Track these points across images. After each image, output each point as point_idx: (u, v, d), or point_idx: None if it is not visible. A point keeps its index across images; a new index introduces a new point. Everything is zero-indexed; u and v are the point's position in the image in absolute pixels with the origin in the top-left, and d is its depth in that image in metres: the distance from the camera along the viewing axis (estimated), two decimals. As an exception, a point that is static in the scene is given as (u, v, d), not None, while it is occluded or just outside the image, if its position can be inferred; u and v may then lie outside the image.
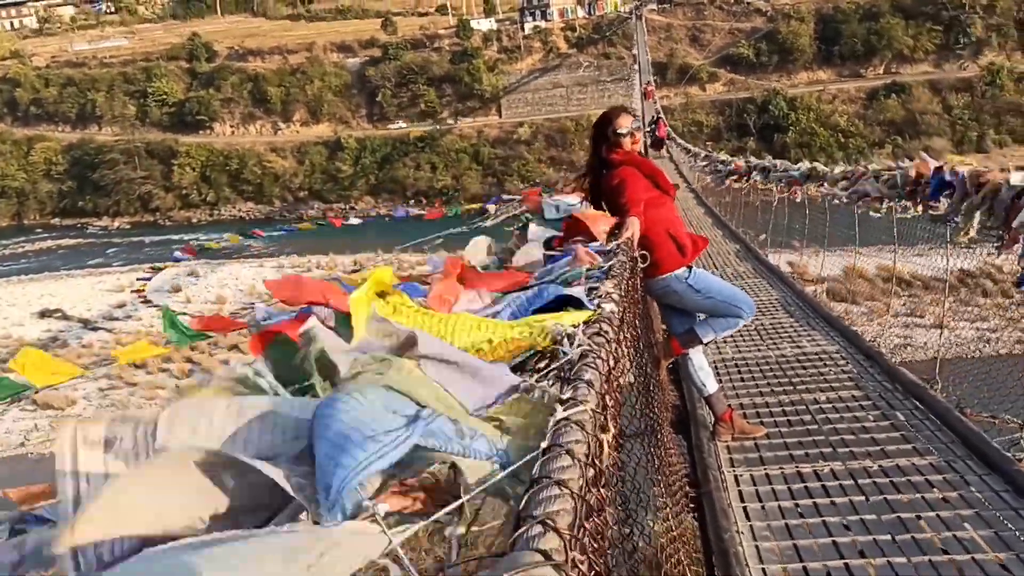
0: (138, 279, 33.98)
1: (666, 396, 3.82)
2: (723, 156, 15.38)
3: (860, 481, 3.16)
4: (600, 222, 3.00)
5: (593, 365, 1.02)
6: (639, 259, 3.11)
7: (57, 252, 55.36)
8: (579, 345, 1.10)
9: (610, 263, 2.25)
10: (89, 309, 37.87)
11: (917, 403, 3.97)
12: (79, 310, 37.72)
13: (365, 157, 60.09)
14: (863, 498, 3.03)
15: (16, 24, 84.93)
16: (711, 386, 3.76)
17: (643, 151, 3.80)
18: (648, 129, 28.93)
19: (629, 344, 1.87)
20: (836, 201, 5.81)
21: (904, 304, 21.81)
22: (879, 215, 5.28)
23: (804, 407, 4.13)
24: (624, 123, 3.69)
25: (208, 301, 37.54)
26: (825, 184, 6.30)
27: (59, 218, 64.32)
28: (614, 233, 3.10)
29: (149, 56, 70.82)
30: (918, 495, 3.03)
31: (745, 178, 10.78)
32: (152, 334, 33.00)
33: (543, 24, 67.78)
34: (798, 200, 8.13)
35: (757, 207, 11.68)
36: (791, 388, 4.50)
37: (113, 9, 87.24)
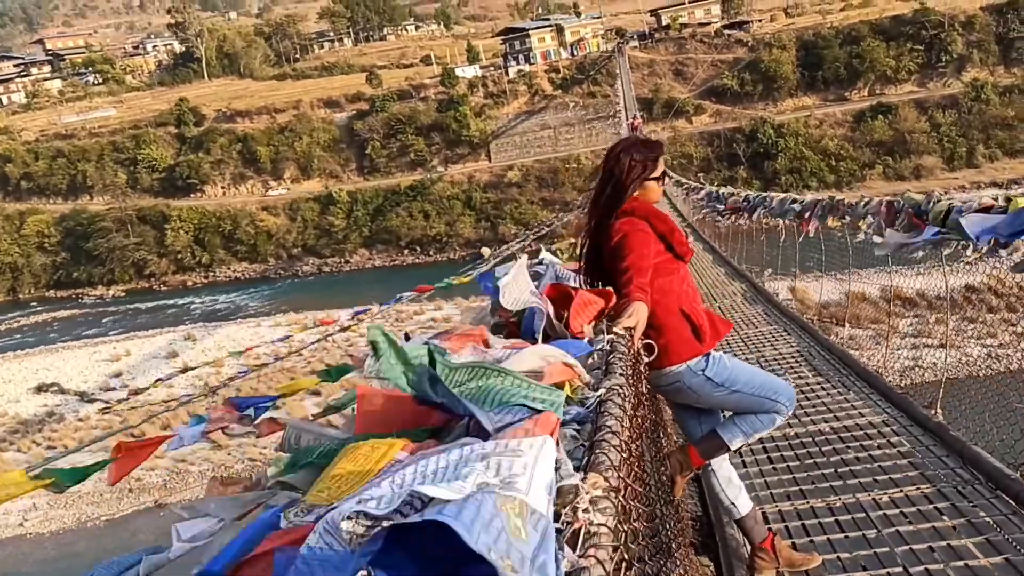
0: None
1: (683, 515, 2.96)
2: (721, 190, 14.66)
3: (970, 646, 2.28)
4: (585, 312, 2.19)
5: None
6: (644, 351, 2.28)
7: (53, 325, 54.86)
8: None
9: (601, 392, 1.42)
10: (86, 381, 37.40)
11: (1010, 501, 3.10)
12: (76, 383, 37.27)
13: (357, 210, 59.83)
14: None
15: (4, 101, 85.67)
16: (744, 505, 2.88)
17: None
18: None
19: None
20: (862, 237, 5.01)
21: (911, 324, 21.09)
22: (922, 252, 4.34)
23: (863, 515, 3.22)
24: (663, 165, 2.88)
25: (205, 365, 37.08)
26: (847, 219, 5.51)
27: (54, 290, 63.83)
28: (604, 315, 2.28)
29: (137, 124, 71.08)
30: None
31: (747, 215, 10.00)
32: (146, 405, 32.24)
33: (527, 68, 68.18)
34: (811, 235, 7.36)
35: (762, 241, 10.90)
36: (840, 484, 3.60)
37: (101, 80, 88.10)
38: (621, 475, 1.04)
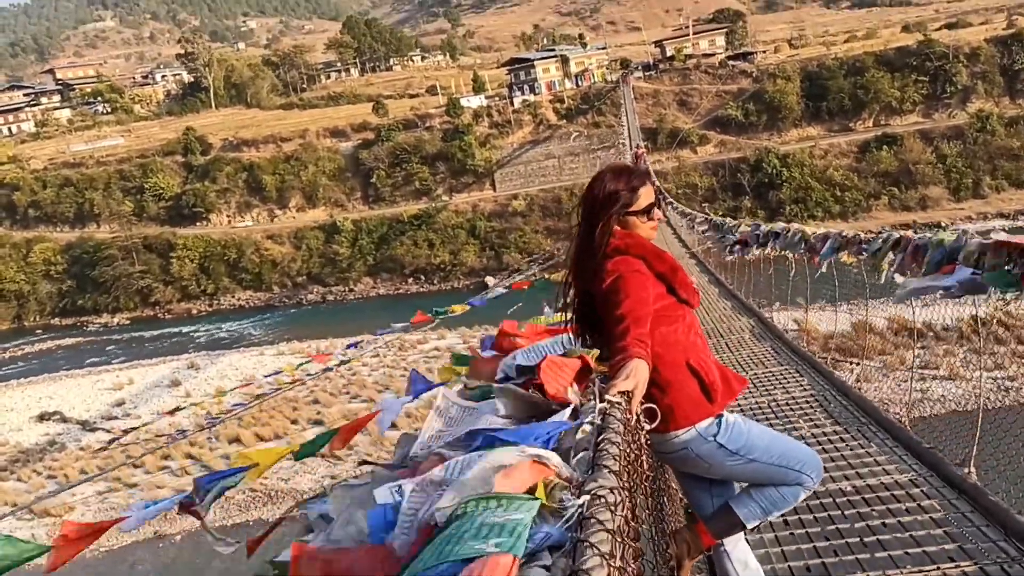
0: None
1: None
2: (727, 221, 14.36)
3: None
4: (561, 372, 1.84)
5: None
6: (644, 417, 1.93)
7: (57, 353, 54.74)
8: None
9: (582, 501, 1.05)
10: (88, 410, 37.21)
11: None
12: (78, 411, 37.10)
13: (362, 239, 59.86)
14: None
15: (14, 129, 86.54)
16: (763, 592, 2.52)
17: None
18: None
19: None
20: (883, 277, 4.66)
21: (918, 356, 20.77)
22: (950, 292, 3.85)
23: (896, 596, 2.84)
24: (648, 194, 2.44)
25: (208, 394, 37.06)
26: (865, 253, 5.14)
27: (59, 318, 63.80)
28: (591, 375, 1.93)
29: (145, 153, 71.63)
30: None
31: (758, 247, 9.66)
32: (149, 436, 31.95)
33: (532, 98, 68.58)
34: (823, 269, 7.03)
35: (770, 275, 10.56)
36: (867, 557, 3.17)
37: (109, 109, 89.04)
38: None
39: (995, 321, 20.81)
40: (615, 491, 1.08)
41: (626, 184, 2.42)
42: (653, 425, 1.94)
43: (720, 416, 2.37)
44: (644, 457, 1.96)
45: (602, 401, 1.66)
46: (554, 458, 1.32)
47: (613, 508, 1.03)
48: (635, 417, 1.80)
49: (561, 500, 1.11)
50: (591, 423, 1.54)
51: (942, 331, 21.54)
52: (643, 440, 1.94)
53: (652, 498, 2.03)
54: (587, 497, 1.06)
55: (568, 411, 1.76)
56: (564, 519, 1.05)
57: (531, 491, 1.20)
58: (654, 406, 1.95)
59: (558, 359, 1.96)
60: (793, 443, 2.50)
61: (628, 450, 1.43)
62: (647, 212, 2.43)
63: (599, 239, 2.37)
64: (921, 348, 21.07)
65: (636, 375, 1.86)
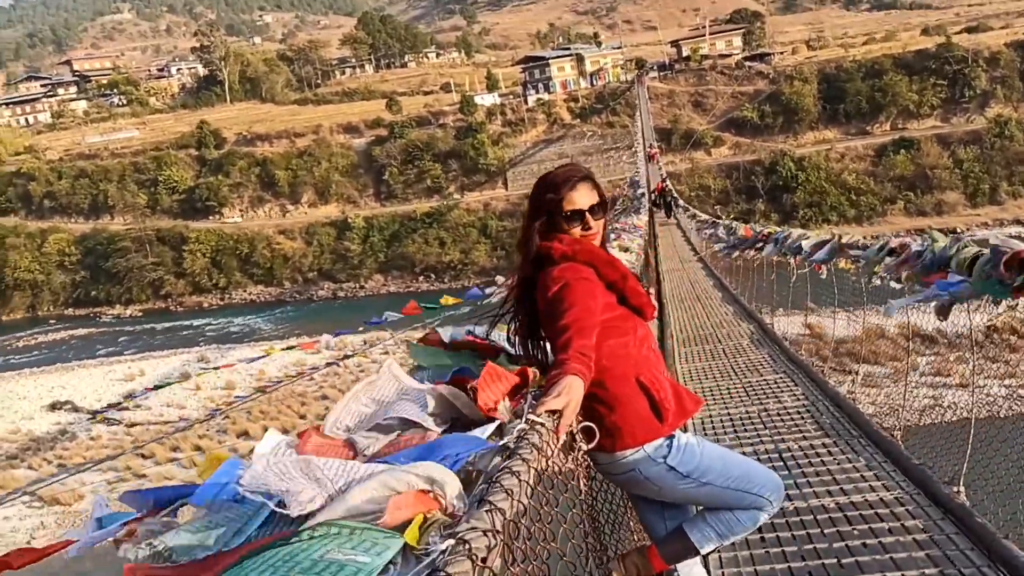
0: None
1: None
2: (729, 222, 14.16)
3: None
4: (496, 385, 1.71)
5: None
6: (581, 436, 1.79)
7: (70, 342, 55.21)
8: None
9: (443, 547, 0.86)
10: (99, 400, 37.52)
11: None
12: (89, 401, 37.42)
13: (373, 235, 59.92)
14: None
15: (31, 120, 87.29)
16: (722, 619, 2.37)
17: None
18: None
19: None
20: (878, 283, 4.51)
21: (930, 364, 20.56)
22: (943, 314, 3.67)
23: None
24: (580, 198, 2.20)
25: (217, 387, 37.37)
26: (861, 260, 4.99)
27: (72, 308, 64.39)
28: (525, 391, 1.80)
29: (159, 145, 72.01)
30: None
31: (757, 250, 9.52)
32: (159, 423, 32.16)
33: (546, 96, 68.37)
34: (823, 276, 6.89)
35: (772, 279, 10.39)
36: (846, 581, 3.04)
37: (125, 101, 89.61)
38: None
39: (1010, 330, 20.51)
40: (490, 534, 0.93)
41: (556, 187, 2.23)
42: (591, 445, 1.80)
43: (671, 436, 2.21)
44: (580, 480, 1.82)
45: (526, 422, 1.52)
46: (449, 487, 1.18)
47: (478, 558, 0.88)
48: (568, 436, 1.66)
49: (430, 540, 0.97)
50: (504, 447, 1.40)
51: (955, 338, 21.26)
52: (579, 460, 1.80)
53: (591, 522, 1.90)
54: (451, 542, 0.92)
55: (492, 427, 1.63)
56: (423, 565, 0.91)
57: (406, 524, 1.06)
58: (592, 424, 1.80)
59: (498, 368, 1.83)
60: (752, 465, 2.35)
61: (538, 477, 1.29)
62: (578, 218, 2.21)
63: (528, 246, 2.21)
64: (933, 355, 20.84)
65: (569, 393, 1.69)
